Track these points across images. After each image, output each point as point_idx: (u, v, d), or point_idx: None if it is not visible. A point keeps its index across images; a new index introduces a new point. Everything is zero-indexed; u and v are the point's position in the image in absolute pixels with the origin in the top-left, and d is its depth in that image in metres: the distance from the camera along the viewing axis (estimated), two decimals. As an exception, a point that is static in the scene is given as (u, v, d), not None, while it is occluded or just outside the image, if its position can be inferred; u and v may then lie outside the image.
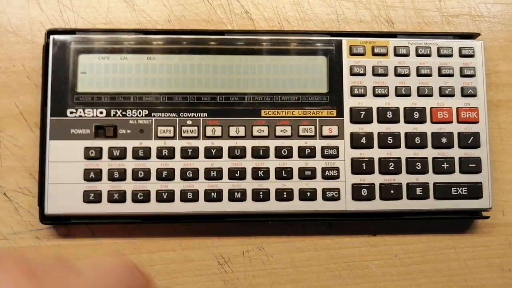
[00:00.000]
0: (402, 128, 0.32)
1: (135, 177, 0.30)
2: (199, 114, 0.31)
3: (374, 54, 0.32)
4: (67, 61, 0.31)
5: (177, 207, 0.30)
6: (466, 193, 0.31)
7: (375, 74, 0.32)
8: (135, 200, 0.30)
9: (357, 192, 0.31)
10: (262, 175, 0.30)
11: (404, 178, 0.31)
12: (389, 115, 0.31)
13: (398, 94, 0.32)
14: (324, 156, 0.31)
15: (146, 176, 0.30)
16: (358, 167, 0.31)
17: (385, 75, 0.32)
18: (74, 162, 0.30)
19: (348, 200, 0.31)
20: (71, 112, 0.30)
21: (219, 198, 0.30)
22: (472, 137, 0.32)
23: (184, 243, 0.32)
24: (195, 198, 0.30)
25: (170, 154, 0.30)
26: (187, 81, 0.31)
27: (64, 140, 0.30)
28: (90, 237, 0.32)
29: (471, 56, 0.32)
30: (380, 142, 0.31)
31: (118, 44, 0.31)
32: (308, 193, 0.30)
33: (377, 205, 0.31)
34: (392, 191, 0.31)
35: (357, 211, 0.31)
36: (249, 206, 0.30)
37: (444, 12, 0.35)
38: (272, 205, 0.30)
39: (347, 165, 0.31)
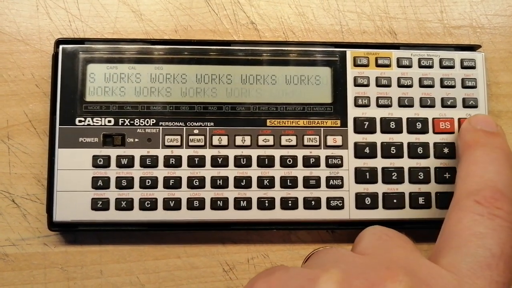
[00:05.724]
0: (404, 138, 0.32)
1: (143, 185, 0.30)
2: (206, 123, 0.31)
3: (378, 65, 0.33)
4: (76, 70, 0.31)
5: (184, 215, 0.31)
6: (467, 202, 0.32)
7: (378, 85, 0.32)
8: (142, 208, 0.30)
9: (360, 201, 0.31)
10: (267, 184, 0.31)
11: (406, 188, 0.32)
12: (392, 125, 0.32)
13: (401, 104, 0.32)
14: (328, 165, 0.31)
15: (154, 184, 0.30)
16: (362, 176, 0.31)
17: (388, 86, 0.32)
18: (82, 170, 0.30)
19: (352, 209, 0.31)
20: (80, 121, 0.31)
21: (225, 207, 0.31)
22: (473, 148, 0.32)
23: (189, 250, 0.32)
24: (201, 206, 0.31)
25: (177, 162, 0.31)
26: (194, 91, 0.32)
27: (72, 149, 0.30)
28: (97, 244, 0.32)
29: (473, 67, 0.33)
30: (383, 152, 0.32)
31: (126, 54, 0.31)
32: (313, 202, 0.31)
33: (380, 213, 0.31)
34: (395, 200, 0.31)
35: (361, 220, 0.31)
36: (255, 214, 0.31)
37: (446, 24, 0.35)
38: (277, 214, 0.31)
39: (351, 174, 0.31)
